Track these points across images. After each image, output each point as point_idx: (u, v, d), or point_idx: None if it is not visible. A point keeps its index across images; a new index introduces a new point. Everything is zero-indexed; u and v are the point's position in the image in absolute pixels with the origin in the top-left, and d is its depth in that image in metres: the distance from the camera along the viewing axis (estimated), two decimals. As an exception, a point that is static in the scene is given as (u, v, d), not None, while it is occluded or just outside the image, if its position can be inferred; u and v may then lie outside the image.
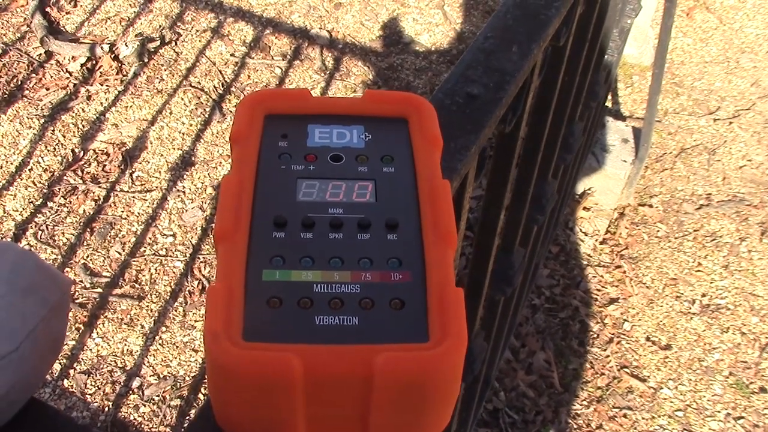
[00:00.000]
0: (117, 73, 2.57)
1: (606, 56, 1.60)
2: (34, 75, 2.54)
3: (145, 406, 1.77)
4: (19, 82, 2.50)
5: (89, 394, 1.78)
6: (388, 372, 0.34)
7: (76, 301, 1.94)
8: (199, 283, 2.01)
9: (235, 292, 0.37)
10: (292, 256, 0.40)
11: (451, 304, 0.37)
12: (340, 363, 0.35)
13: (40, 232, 2.09)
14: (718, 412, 1.83)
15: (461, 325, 0.36)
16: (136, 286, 2.00)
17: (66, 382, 1.80)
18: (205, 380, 1.76)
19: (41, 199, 2.17)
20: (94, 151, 2.32)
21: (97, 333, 1.89)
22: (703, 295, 2.07)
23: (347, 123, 0.48)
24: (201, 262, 2.06)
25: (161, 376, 1.83)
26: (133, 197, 2.21)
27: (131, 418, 1.75)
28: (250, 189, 0.43)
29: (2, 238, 2.07)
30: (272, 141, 0.46)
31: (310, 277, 0.39)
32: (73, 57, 2.60)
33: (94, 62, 2.60)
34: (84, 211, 2.16)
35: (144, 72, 2.59)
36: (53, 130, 2.36)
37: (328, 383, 0.35)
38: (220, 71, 2.61)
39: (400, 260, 0.40)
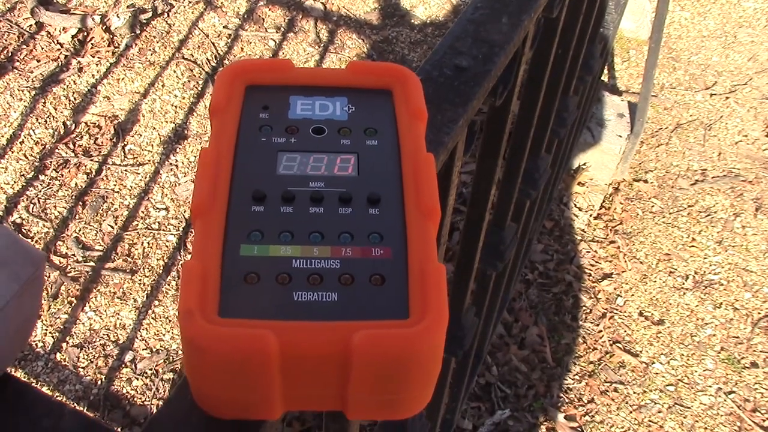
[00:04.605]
0: (108, 45, 2.54)
1: (601, 29, 1.58)
2: (24, 46, 2.51)
3: (138, 379, 1.77)
4: (10, 54, 2.47)
5: (82, 368, 1.78)
6: (366, 349, 0.34)
7: (69, 274, 1.94)
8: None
9: (212, 268, 0.36)
10: (271, 230, 0.39)
11: (432, 280, 0.36)
12: (318, 340, 0.34)
13: (31, 205, 2.08)
14: (710, 386, 1.84)
15: (442, 302, 0.36)
16: (129, 259, 1.99)
17: (59, 356, 1.80)
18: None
19: (33, 172, 2.15)
20: (86, 123, 2.30)
21: (90, 307, 1.89)
22: (697, 271, 2.07)
23: (330, 94, 0.47)
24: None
25: (154, 349, 1.82)
26: (126, 171, 2.19)
27: (124, 391, 1.75)
28: (229, 162, 0.42)
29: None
30: (253, 112, 0.45)
31: (289, 252, 0.38)
32: (64, 28, 2.56)
33: (85, 33, 2.56)
34: (76, 184, 2.14)
35: (136, 44, 2.56)
36: (44, 103, 2.34)
37: (305, 360, 0.34)
38: (213, 43, 2.58)
39: (382, 235, 0.39)
